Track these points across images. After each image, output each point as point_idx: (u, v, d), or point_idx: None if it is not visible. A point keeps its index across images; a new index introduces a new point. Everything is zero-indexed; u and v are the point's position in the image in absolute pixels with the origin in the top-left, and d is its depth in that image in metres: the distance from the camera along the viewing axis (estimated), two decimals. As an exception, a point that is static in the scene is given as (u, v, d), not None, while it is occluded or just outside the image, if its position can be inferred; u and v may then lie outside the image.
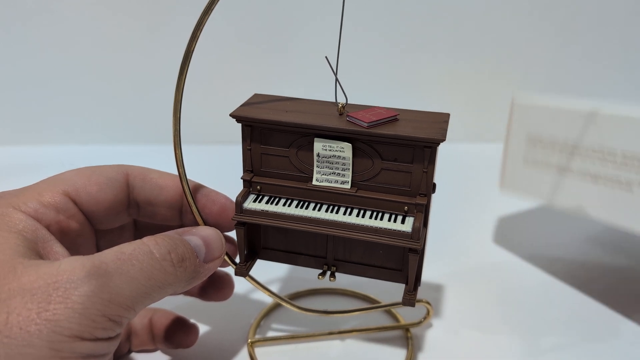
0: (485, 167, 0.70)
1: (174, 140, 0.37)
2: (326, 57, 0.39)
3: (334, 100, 0.40)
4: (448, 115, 0.39)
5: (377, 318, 0.49)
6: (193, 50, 0.36)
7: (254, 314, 0.49)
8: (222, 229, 0.40)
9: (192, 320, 0.44)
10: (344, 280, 0.46)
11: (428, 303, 0.45)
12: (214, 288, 0.43)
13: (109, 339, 0.30)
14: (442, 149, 0.38)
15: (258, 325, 0.48)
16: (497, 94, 0.82)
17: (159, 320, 0.43)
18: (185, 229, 0.36)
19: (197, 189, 0.41)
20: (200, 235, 0.36)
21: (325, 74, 0.39)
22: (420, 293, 0.42)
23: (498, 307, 0.50)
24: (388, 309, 0.49)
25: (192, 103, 0.56)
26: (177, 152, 0.37)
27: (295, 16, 0.79)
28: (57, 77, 0.82)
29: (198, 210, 0.39)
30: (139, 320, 0.43)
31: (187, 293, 0.44)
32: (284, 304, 0.45)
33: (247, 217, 0.40)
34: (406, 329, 0.47)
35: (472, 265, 0.57)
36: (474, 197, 0.71)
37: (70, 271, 0.29)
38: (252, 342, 0.46)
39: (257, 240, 0.44)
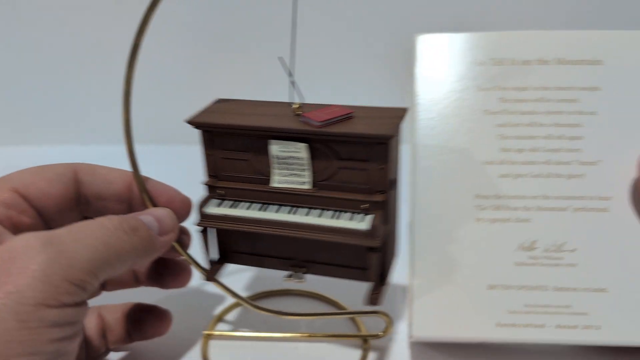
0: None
1: (124, 128, 0.37)
2: (280, 57, 0.39)
3: (291, 102, 0.40)
4: (405, 110, 0.39)
5: (342, 324, 0.47)
6: (140, 43, 0.36)
7: (221, 308, 0.49)
8: None
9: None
10: (322, 283, 0.45)
11: (386, 315, 0.43)
12: (171, 275, 0.43)
13: (76, 304, 0.30)
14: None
15: (220, 319, 0.48)
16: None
17: (132, 312, 0.43)
18: (136, 213, 0.37)
19: (145, 181, 0.40)
20: (150, 213, 0.37)
21: (294, 74, 0.39)
22: (396, 299, 0.41)
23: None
24: (353, 317, 0.47)
25: (153, 105, 0.56)
26: (127, 140, 0.37)
27: (258, 16, 0.78)
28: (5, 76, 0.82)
29: (148, 196, 0.39)
30: (111, 316, 0.43)
31: (147, 283, 0.44)
32: (240, 302, 0.45)
33: (209, 223, 0.40)
34: (364, 339, 0.44)
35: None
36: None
37: (25, 244, 0.29)
38: (207, 334, 0.46)
39: (224, 245, 0.44)
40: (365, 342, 0.44)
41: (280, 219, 0.39)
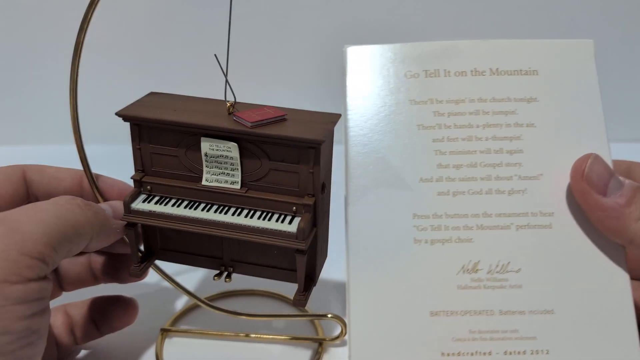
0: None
1: (72, 125, 0.38)
2: (215, 55, 0.38)
3: (225, 100, 0.40)
4: (338, 116, 0.39)
5: (304, 326, 0.48)
6: (83, 41, 0.37)
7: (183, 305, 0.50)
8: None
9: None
10: (289, 285, 0.44)
11: (341, 320, 0.44)
12: (127, 268, 0.43)
13: (40, 279, 0.31)
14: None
15: (181, 316, 0.48)
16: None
17: (97, 305, 0.43)
18: None
19: (95, 177, 0.41)
20: (103, 202, 0.39)
21: (231, 71, 0.39)
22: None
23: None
24: (313, 320, 0.47)
25: (100, 105, 0.55)
26: (76, 137, 0.38)
27: (199, 13, 0.78)
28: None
29: (98, 190, 0.40)
30: (77, 312, 0.43)
31: (105, 279, 0.43)
32: (195, 300, 0.45)
33: (136, 218, 0.39)
34: (319, 342, 0.45)
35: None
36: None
37: None
38: (163, 330, 0.46)
39: (154, 241, 0.43)
40: (320, 345, 0.45)
41: (208, 218, 0.38)
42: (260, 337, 0.46)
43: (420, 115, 0.36)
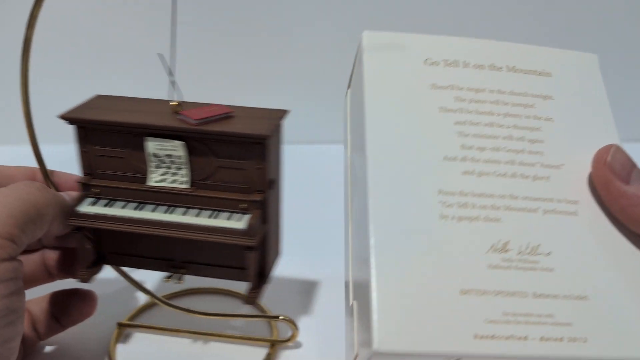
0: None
1: (25, 120, 0.37)
2: (160, 54, 0.38)
3: (170, 99, 0.39)
4: (285, 111, 0.39)
5: (263, 326, 0.47)
6: (31, 37, 0.36)
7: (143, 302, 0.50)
8: None
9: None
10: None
11: (292, 322, 0.43)
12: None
13: (12, 259, 0.32)
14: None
15: (142, 311, 0.48)
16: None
17: (56, 299, 0.43)
18: None
19: (49, 173, 0.41)
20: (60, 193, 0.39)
21: (178, 72, 0.39)
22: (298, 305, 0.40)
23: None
24: (269, 321, 0.47)
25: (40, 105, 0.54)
26: (29, 130, 0.38)
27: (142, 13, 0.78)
28: None
29: (53, 184, 0.40)
30: (37, 307, 0.42)
31: (60, 275, 0.43)
32: (151, 297, 0.44)
33: (83, 221, 0.38)
34: (272, 344, 0.45)
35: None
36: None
37: None
38: (120, 325, 0.46)
39: (103, 245, 0.42)
40: (272, 346, 0.44)
41: (156, 219, 0.38)
42: (215, 336, 0.45)
43: (441, 99, 0.35)
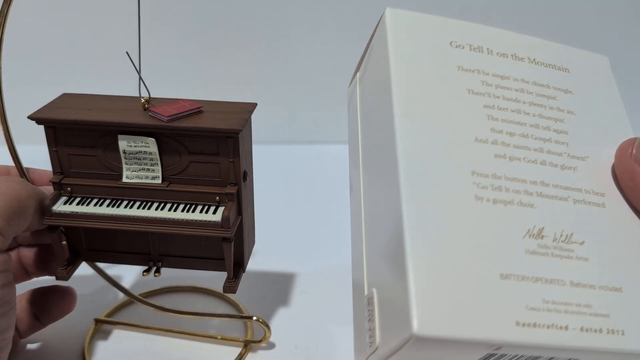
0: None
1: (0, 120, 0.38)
2: (127, 52, 0.38)
3: (139, 96, 0.40)
4: (254, 105, 0.40)
5: (239, 326, 0.48)
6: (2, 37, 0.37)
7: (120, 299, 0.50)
8: None
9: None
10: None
11: (265, 324, 0.44)
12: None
13: (0, 251, 0.33)
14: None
15: (120, 308, 0.49)
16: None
17: (35, 297, 0.43)
18: None
19: (25, 170, 0.41)
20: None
21: (145, 69, 0.39)
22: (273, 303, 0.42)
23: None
24: (245, 321, 0.48)
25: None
26: (4, 127, 0.38)
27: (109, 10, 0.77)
28: None
29: (29, 180, 0.40)
30: (16, 305, 0.41)
31: (37, 273, 0.43)
32: (126, 294, 0.45)
33: (58, 220, 0.39)
34: (245, 344, 0.45)
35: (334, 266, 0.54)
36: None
37: None
38: (97, 321, 0.47)
39: (79, 243, 0.43)
40: (245, 346, 0.45)
41: (131, 215, 0.38)
42: (189, 335, 0.46)
43: (469, 81, 0.34)
